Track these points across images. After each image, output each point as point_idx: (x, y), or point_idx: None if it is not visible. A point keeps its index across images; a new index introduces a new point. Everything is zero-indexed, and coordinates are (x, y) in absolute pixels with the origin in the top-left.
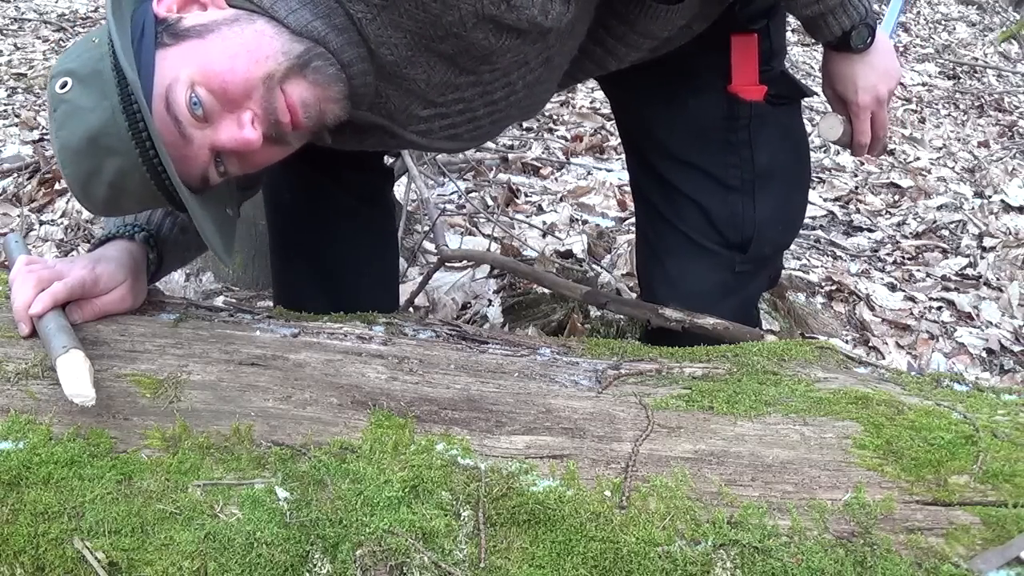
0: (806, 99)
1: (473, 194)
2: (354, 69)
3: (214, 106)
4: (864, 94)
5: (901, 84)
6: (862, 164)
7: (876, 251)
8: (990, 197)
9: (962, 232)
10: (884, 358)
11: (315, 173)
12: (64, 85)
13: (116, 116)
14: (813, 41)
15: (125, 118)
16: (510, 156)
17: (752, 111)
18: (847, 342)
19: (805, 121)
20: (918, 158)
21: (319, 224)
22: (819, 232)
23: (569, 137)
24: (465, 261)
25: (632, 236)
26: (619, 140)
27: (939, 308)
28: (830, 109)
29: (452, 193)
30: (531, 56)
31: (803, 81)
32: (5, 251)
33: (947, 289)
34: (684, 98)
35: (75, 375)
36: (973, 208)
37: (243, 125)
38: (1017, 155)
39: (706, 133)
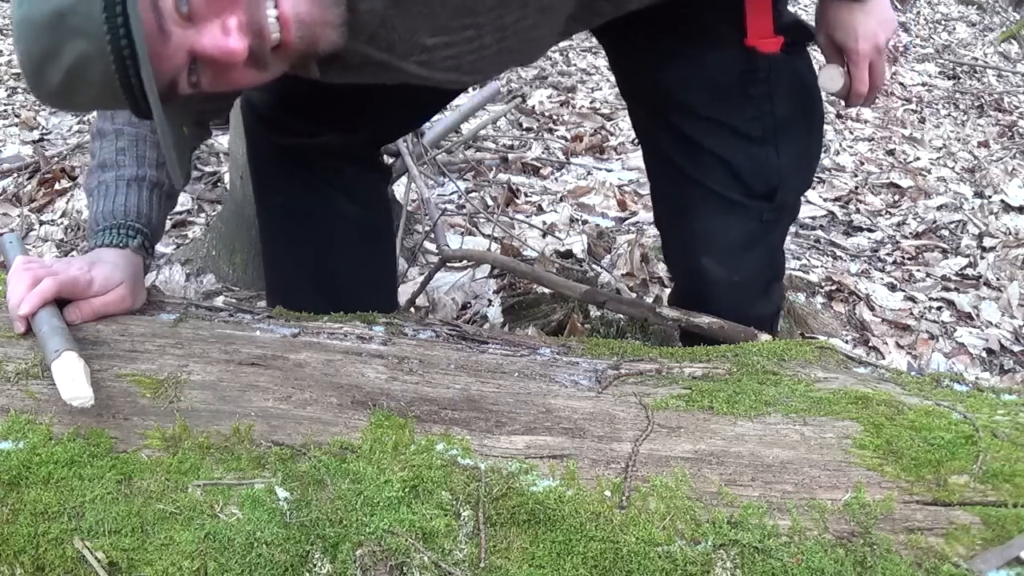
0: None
1: (473, 194)
2: None
3: (201, 4)
4: (864, 42)
5: (901, 84)
6: (862, 164)
7: (876, 251)
8: (990, 197)
9: (962, 232)
10: (884, 358)
11: (309, 174)
12: None
13: None
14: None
15: None
16: (510, 156)
17: (770, 64)
18: (847, 342)
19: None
20: (918, 158)
21: (313, 226)
22: (819, 232)
23: (569, 137)
24: (465, 261)
25: (632, 236)
26: (619, 140)
27: (939, 308)
28: (825, 61)
29: (452, 193)
30: None
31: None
32: (2, 251)
33: (947, 289)
34: (701, 55)
35: (71, 377)
36: (973, 208)
37: (228, 31)
38: (1017, 155)
39: (726, 88)
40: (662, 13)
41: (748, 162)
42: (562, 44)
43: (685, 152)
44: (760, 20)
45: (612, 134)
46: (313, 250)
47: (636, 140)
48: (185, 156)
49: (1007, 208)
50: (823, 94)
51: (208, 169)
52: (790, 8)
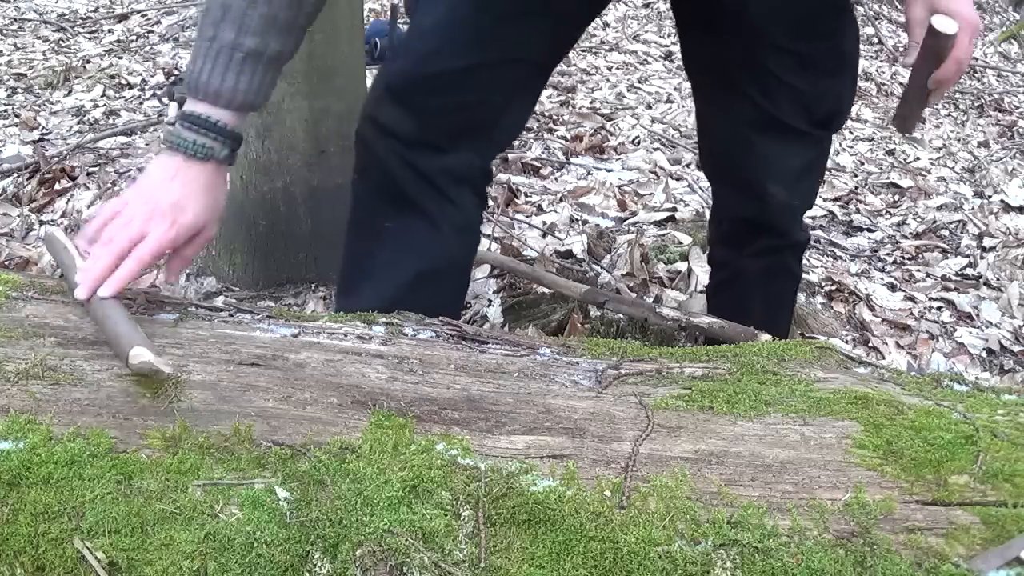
0: None
1: None
2: None
3: None
4: (971, 14)
5: (901, 84)
6: (862, 164)
7: (876, 251)
8: (990, 197)
9: (962, 232)
10: (884, 358)
11: (429, 191)
12: None
13: None
14: None
15: None
16: (510, 156)
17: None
18: (847, 342)
19: None
20: (918, 158)
21: (417, 244)
22: (819, 232)
23: (569, 137)
24: None
25: (632, 236)
26: (619, 140)
27: (939, 308)
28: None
29: None
30: None
31: None
32: (51, 246)
33: (947, 289)
34: None
35: (151, 368)
36: (973, 208)
37: None
38: (1017, 155)
39: (807, 21)
40: None
41: (818, 93)
42: None
43: (758, 81)
44: None
45: (612, 134)
46: (407, 266)
47: (688, 89)
48: None
49: (1007, 208)
50: (940, 36)
51: None
52: None
